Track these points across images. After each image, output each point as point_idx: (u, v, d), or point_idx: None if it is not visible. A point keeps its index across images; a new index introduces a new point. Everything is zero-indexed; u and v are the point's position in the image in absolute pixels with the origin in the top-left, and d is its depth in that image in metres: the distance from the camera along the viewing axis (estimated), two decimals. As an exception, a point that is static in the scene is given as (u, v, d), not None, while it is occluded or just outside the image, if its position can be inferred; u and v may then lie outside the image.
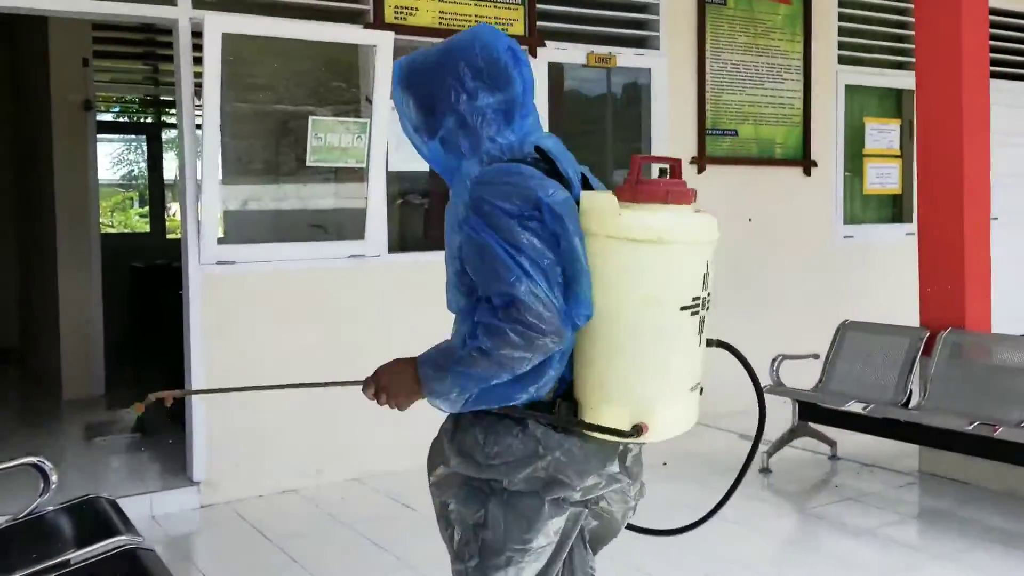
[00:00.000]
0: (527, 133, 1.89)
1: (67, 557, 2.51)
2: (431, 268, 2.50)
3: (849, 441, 5.01)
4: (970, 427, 4.14)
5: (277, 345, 4.50)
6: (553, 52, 5.33)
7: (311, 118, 4.53)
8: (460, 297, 1.85)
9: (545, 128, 5.40)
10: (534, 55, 5.23)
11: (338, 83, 5.09)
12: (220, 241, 4.38)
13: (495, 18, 5.09)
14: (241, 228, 6.32)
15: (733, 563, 3.78)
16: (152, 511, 4.25)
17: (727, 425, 5.72)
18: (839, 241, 6.60)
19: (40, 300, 6.92)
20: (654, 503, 4.38)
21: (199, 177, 4.28)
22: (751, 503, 4.38)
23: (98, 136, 10.83)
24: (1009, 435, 4.01)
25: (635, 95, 6.01)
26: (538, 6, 5.22)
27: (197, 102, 4.33)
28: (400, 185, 5.18)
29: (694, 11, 5.83)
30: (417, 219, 5.31)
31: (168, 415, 5.04)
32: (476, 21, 5.03)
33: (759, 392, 2.12)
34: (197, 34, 4.21)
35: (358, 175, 4.81)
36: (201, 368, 4.36)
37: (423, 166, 4.86)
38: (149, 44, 7.32)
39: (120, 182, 13.09)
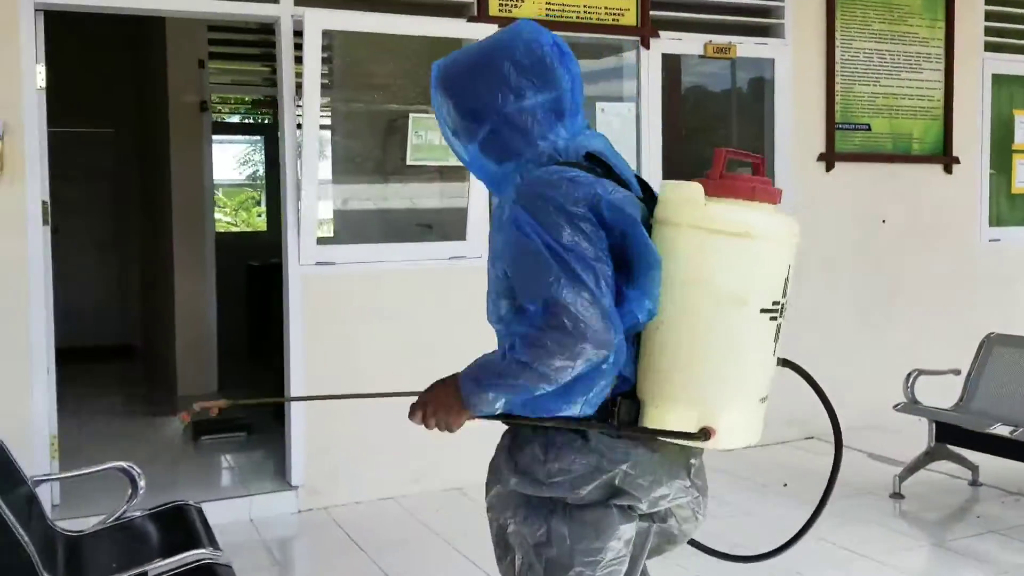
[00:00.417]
0: (577, 132, 1.80)
1: (144, 569, 2.44)
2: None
3: (993, 466, 4.53)
4: None
5: (376, 346, 4.39)
6: (667, 43, 5.05)
7: (411, 115, 4.40)
8: (502, 303, 1.75)
9: (659, 125, 5.15)
10: (647, 46, 4.96)
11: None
12: (322, 241, 4.32)
13: (605, 8, 4.84)
14: (349, 228, 6.30)
15: (859, 601, 3.43)
16: (251, 514, 4.21)
17: (855, 442, 5.32)
18: (984, 245, 6.06)
19: (158, 298, 7.08)
20: (770, 527, 4.09)
21: (299, 177, 4.20)
22: (880, 532, 4.00)
23: (222, 137, 11.28)
24: None
25: (757, 88, 5.66)
26: (652, -7, 4.96)
27: (299, 101, 4.24)
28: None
29: (823, -4, 5.44)
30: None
31: (274, 414, 5.05)
32: (585, 12, 4.80)
33: (833, 419, 1.98)
34: (301, 33, 4.13)
35: (461, 174, 4.66)
36: (300, 368, 4.29)
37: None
38: (266, 45, 7.40)
39: (246, 182, 13.45)
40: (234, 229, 12.16)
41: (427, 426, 1.74)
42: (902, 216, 5.74)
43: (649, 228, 1.69)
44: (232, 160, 12.65)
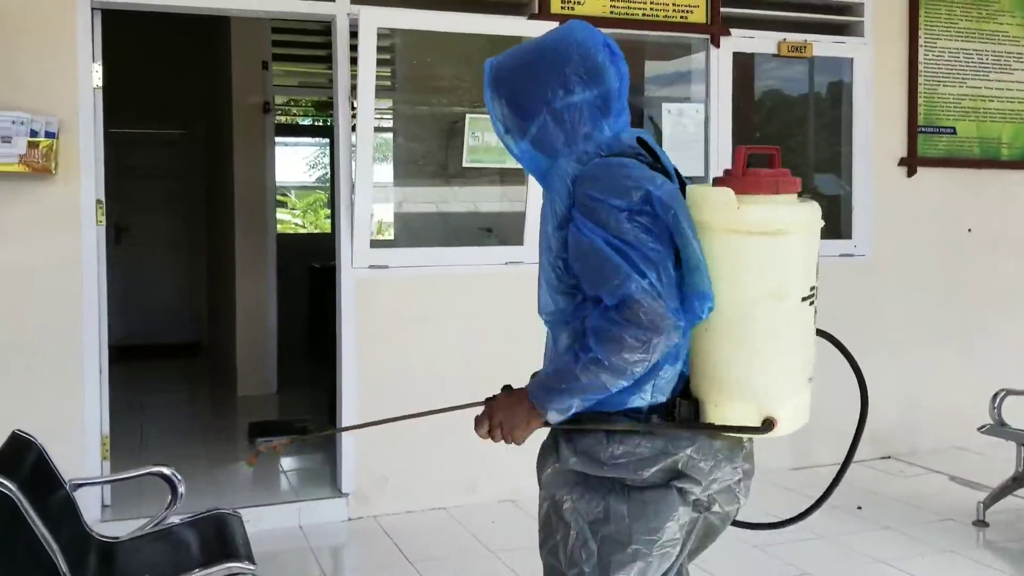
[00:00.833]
0: (621, 129, 1.84)
1: (175, 581, 2.36)
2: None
3: (1088, 495, 4.22)
4: None
5: (430, 352, 4.28)
6: (739, 41, 4.83)
7: (468, 116, 4.28)
8: (559, 298, 1.79)
9: (729, 128, 4.94)
10: (717, 44, 4.75)
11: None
12: (382, 244, 4.23)
13: (672, 4, 4.65)
14: (409, 231, 6.23)
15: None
16: (300, 520, 4.14)
17: (936, 464, 5.04)
18: (1078, 256, 5.67)
19: (222, 298, 7.11)
20: (842, 552, 3.84)
21: (353, 178, 4.11)
22: (962, 563, 3.72)
23: (293, 139, 11.36)
24: None
25: (834, 89, 5.40)
26: (723, -10, 4.75)
27: (355, 102, 4.15)
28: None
29: (906, -8, 5.16)
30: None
31: (331, 418, 4.99)
32: (652, 9, 4.61)
33: (862, 385, 1.95)
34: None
35: (521, 177, 4.53)
36: (353, 373, 4.21)
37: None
38: (330, 47, 7.38)
39: (316, 184, 13.56)
40: (301, 231, 12.23)
41: (493, 438, 1.77)
42: (988, 225, 5.41)
43: None
44: (302, 162, 12.76)
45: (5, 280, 3.70)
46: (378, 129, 7.62)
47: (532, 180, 4.38)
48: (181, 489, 2.83)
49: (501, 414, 1.75)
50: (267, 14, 4.47)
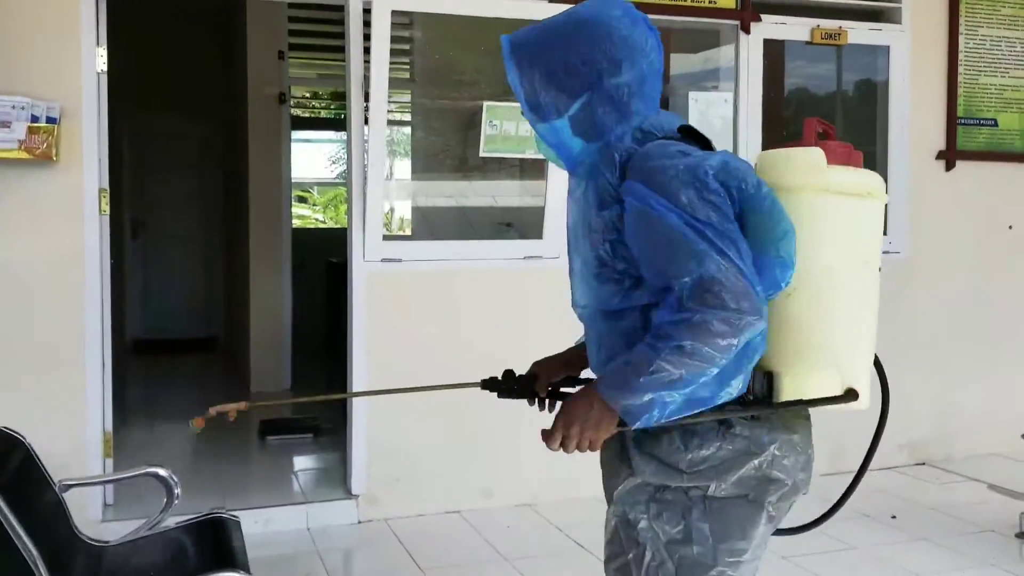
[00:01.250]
0: (654, 112, 1.73)
1: (164, 591, 2.21)
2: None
3: None
4: None
5: (443, 347, 4.12)
6: (770, 27, 4.62)
7: (485, 104, 4.11)
8: (602, 287, 1.65)
9: (759, 118, 4.73)
10: (747, 31, 4.55)
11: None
12: (398, 239, 4.08)
13: (703, -13, 4.45)
14: (428, 225, 6.08)
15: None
16: (308, 523, 3.99)
17: (974, 471, 4.81)
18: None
19: (238, 293, 7.00)
20: (875, 563, 3.64)
21: (365, 170, 3.96)
22: (1004, 579, 3.50)
23: (316, 134, 11.24)
24: None
25: (869, 78, 5.18)
26: (754, -26, 4.55)
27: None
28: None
29: (946, -22, 4.94)
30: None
31: (343, 416, 4.85)
32: (686, -8, 4.41)
33: (884, 385, 1.83)
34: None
35: (541, 170, 4.36)
36: (363, 367, 4.06)
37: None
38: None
39: (338, 180, 13.46)
40: (321, 225, 12.13)
41: (567, 449, 1.60)
42: (1031, 221, 5.18)
43: None
44: (324, 158, 12.66)
45: (5, 271, 3.57)
46: (397, 123, 7.55)
47: (553, 173, 4.23)
48: (177, 491, 2.69)
49: (578, 422, 1.58)
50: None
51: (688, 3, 4.46)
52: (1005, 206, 5.11)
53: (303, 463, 4.77)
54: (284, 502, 4.07)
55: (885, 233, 4.87)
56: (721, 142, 4.66)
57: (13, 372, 3.57)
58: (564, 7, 1.80)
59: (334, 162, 13.22)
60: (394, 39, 4.82)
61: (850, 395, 1.65)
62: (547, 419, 1.75)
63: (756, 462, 1.63)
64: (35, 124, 3.43)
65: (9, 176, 3.52)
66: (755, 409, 1.62)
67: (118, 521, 3.64)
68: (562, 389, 1.95)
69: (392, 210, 8.12)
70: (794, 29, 4.69)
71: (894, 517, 4.13)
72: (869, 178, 1.70)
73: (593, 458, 4.84)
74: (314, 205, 13.29)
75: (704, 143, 1.72)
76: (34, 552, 2.02)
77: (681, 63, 5.17)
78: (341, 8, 4.04)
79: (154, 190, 8.48)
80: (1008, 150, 5.10)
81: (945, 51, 4.97)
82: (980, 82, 5.04)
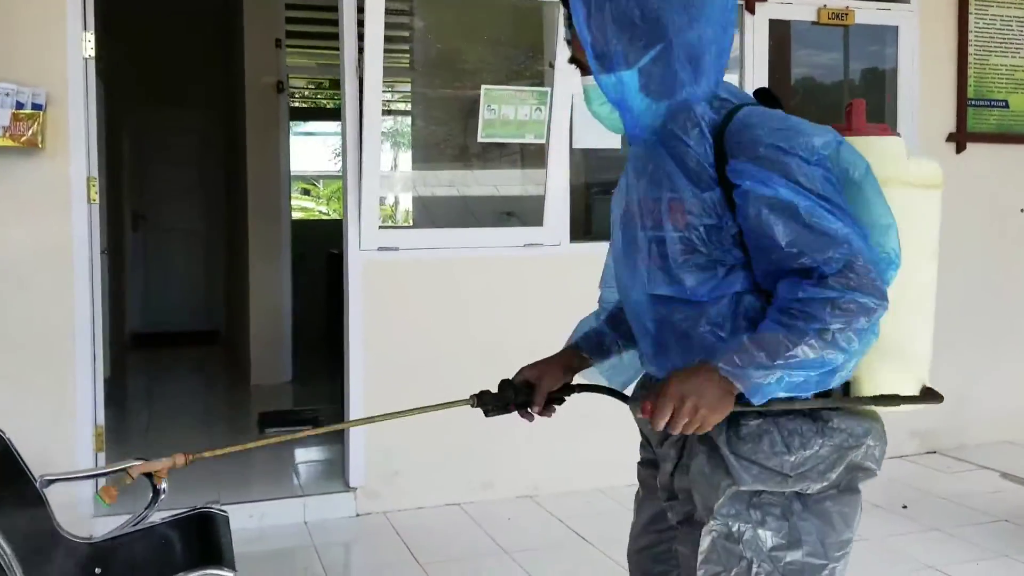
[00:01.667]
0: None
1: (145, 589, 2.13)
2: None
3: None
4: None
5: (439, 336, 4.04)
6: (775, 7, 4.52)
7: (483, 88, 4.01)
8: (688, 275, 1.51)
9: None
10: (751, 11, 4.45)
11: (520, 50, 4.59)
12: (388, 227, 3.99)
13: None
14: (429, 215, 5.99)
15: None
16: (305, 516, 3.91)
17: (985, 460, 4.71)
18: None
19: (238, 286, 6.93)
20: (886, 556, 3.54)
21: (360, 158, 3.87)
22: (1021, 568, 3.40)
23: (313, 124, 11.14)
24: None
25: (877, 59, 5.07)
26: (758, -47, 4.44)
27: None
28: (587, 165, 4.60)
29: (955, -45, 4.82)
30: (605, 203, 4.70)
31: (343, 408, 4.77)
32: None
33: None
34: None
35: (542, 158, 4.26)
36: (359, 357, 3.98)
37: (613, 142, 4.32)
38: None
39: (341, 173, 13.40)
40: (323, 217, 12.05)
41: (674, 428, 1.43)
42: (1043, 205, 5.06)
43: None
44: (329, 150, 12.58)
45: (-9, 261, 3.50)
46: (398, 112, 7.46)
47: (553, 155, 4.13)
48: (163, 486, 2.59)
49: (695, 397, 1.41)
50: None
51: (690, -17, 4.35)
52: (1017, 189, 5.00)
53: (301, 456, 4.69)
54: (281, 495, 3.99)
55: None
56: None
57: (0, 363, 3.49)
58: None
59: (338, 154, 13.14)
60: (394, 27, 4.74)
61: (932, 396, 1.59)
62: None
63: (852, 457, 1.53)
64: (20, 111, 3.35)
65: (-6, 164, 3.44)
66: (839, 402, 1.53)
67: (113, 516, 3.56)
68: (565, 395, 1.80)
69: (396, 201, 8.04)
70: (800, 9, 4.58)
71: (905, 507, 4.04)
72: (936, 167, 1.62)
73: (587, 453, 4.75)
74: (318, 198, 13.21)
75: (783, 109, 1.58)
76: (7, 550, 1.94)
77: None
78: (337, -6, 3.95)
79: (155, 183, 8.41)
80: (1020, 132, 4.98)
81: (955, 31, 4.86)
82: (991, 62, 4.92)
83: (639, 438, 1.79)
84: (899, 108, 4.78)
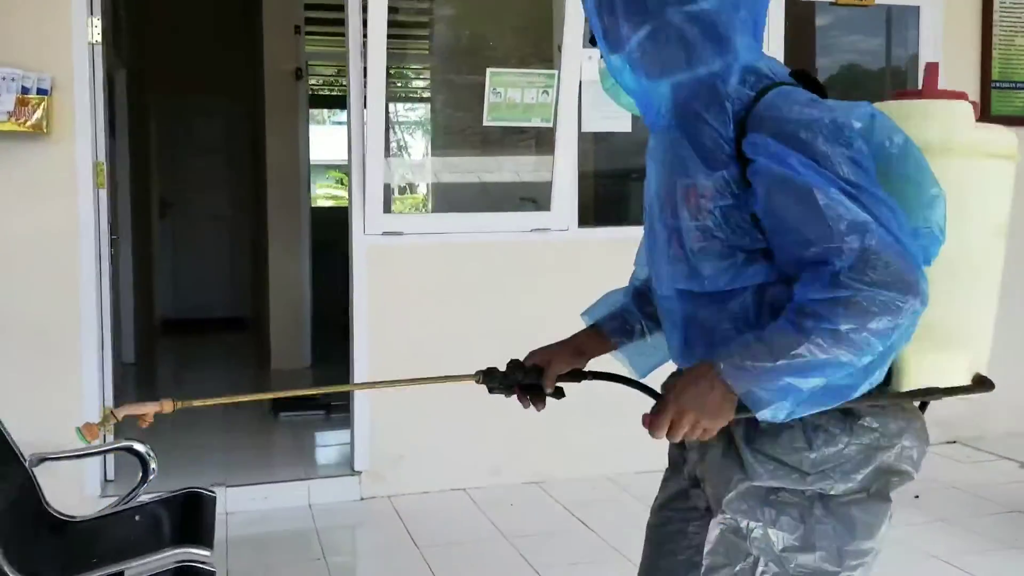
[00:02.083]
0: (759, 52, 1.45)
1: (121, 567, 2.15)
2: (628, 246, 1.90)
3: None
4: None
5: (445, 321, 4.04)
6: (791, -13, 4.43)
7: (488, 71, 3.98)
8: (706, 263, 1.40)
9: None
10: (763, -10, 4.35)
11: (528, 33, 4.55)
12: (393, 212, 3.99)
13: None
14: (447, 202, 5.99)
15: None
16: (310, 499, 3.94)
17: (1006, 450, 4.61)
18: None
19: (264, 272, 6.98)
20: (894, 547, 3.47)
21: (365, 143, 3.87)
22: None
23: (340, 112, 11.18)
24: None
25: (899, 39, 4.95)
26: (775, -70, 4.35)
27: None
28: (597, 148, 4.55)
29: (979, -68, 4.68)
30: (615, 187, 4.64)
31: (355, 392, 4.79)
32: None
33: None
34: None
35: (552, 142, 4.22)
36: (364, 344, 3.98)
37: (624, 126, 4.27)
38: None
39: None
40: (344, 204, 12.08)
41: (674, 437, 1.37)
42: (1072, 189, 4.91)
43: None
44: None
45: (-1, 246, 3.56)
46: (417, 99, 7.46)
47: (561, 138, 4.09)
48: (153, 466, 2.63)
49: (694, 406, 1.35)
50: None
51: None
52: (1043, 173, 4.85)
53: (311, 440, 4.73)
54: (287, 478, 4.02)
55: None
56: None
57: (6, 350, 3.55)
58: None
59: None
60: (412, 12, 4.71)
61: (985, 385, 1.46)
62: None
63: (883, 458, 1.42)
64: (25, 96, 3.40)
65: None
66: (873, 400, 1.41)
67: (118, 496, 3.62)
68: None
69: (413, 187, 8.05)
70: (816, -12, 4.49)
71: (917, 497, 3.94)
72: (1010, 136, 1.47)
73: (596, 440, 4.68)
74: (341, 184, 13.25)
75: (822, 92, 1.46)
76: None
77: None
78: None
79: (183, 170, 8.51)
80: (1046, 114, 4.83)
81: (979, 11, 4.74)
82: (1016, 43, 4.78)
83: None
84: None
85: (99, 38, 3.69)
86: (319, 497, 3.94)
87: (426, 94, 7.17)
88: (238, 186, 8.39)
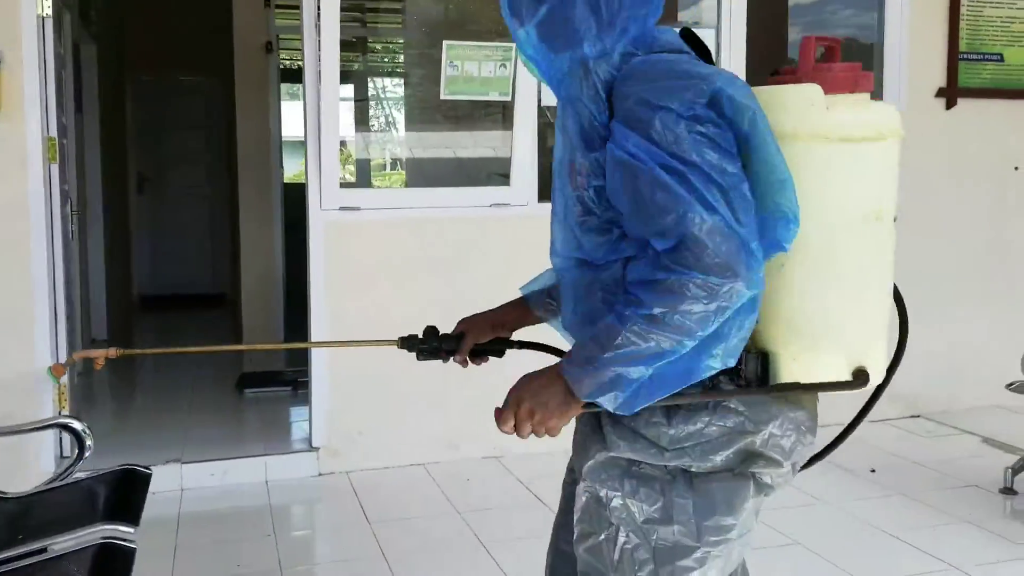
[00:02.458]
0: (656, 22, 1.45)
1: (45, 544, 2.15)
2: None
3: None
4: None
5: (404, 297, 4.01)
6: (750, -44, 4.38)
7: (444, 43, 3.94)
8: (586, 237, 1.43)
9: (744, 56, 4.49)
10: (724, -40, 4.31)
11: (493, 4, 4.50)
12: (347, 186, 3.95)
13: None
14: (423, 176, 5.96)
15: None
16: (267, 475, 3.94)
17: (970, 424, 4.62)
18: None
19: (239, 247, 6.96)
20: (844, 519, 3.49)
21: (320, 117, 3.83)
22: (979, 535, 3.32)
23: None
24: None
25: (863, 10, 4.90)
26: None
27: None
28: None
29: (947, -101, 4.62)
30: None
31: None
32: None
33: (903, 338, 1.57)
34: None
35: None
36: (323, 320, 3.97)
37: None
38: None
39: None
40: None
41: (521, 433, 1.40)
42: (1040, 163, 4.89)
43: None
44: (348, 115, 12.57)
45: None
46: (391, 73, 7.40)
47: (520, 112, 4.06)
48: (89, 443, 2.62)
49: (529, 401, 1.37)
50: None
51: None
52: (1010, 146, 4.82)
53: (274, 416, 4.73)
54: (244, 454, 4.02)
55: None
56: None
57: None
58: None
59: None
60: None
61: (860, 380, 1.41)
62: (523, 366, 1.55)
63: (746, 443, 1.42)
64: (-30, 71, 3.36)
65: (-52, 125, 3.47)
66: (745, 393, 1.41)
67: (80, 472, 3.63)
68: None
69: (401, 163, 8.01)
70: (778, -41, 4.44)
71: (873, 471, 3.97)
72: (879, 114, 1.41)
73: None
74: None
75: (705, 54, 1.47)
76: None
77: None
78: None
79: (162, 146, 8.47)
80: (1014, 87, 4.79)
81: (947, -19, 4.68)
82: (985, 14, 4.73)
83: None
84: (886, 61, 4.62)
85: (49, 11, 3.64)
86: (276, 473, 3.95)
87: (400, 69, 7.11)
88: (216, 161, 8.35)
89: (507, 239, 4.16)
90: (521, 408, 1.38)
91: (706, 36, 4.44)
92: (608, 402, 1.34)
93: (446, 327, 1.86)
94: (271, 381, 5.16)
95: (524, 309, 1.81)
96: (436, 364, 1.83)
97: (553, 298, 1.76)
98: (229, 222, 8.12)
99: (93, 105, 6.09)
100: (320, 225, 3.96)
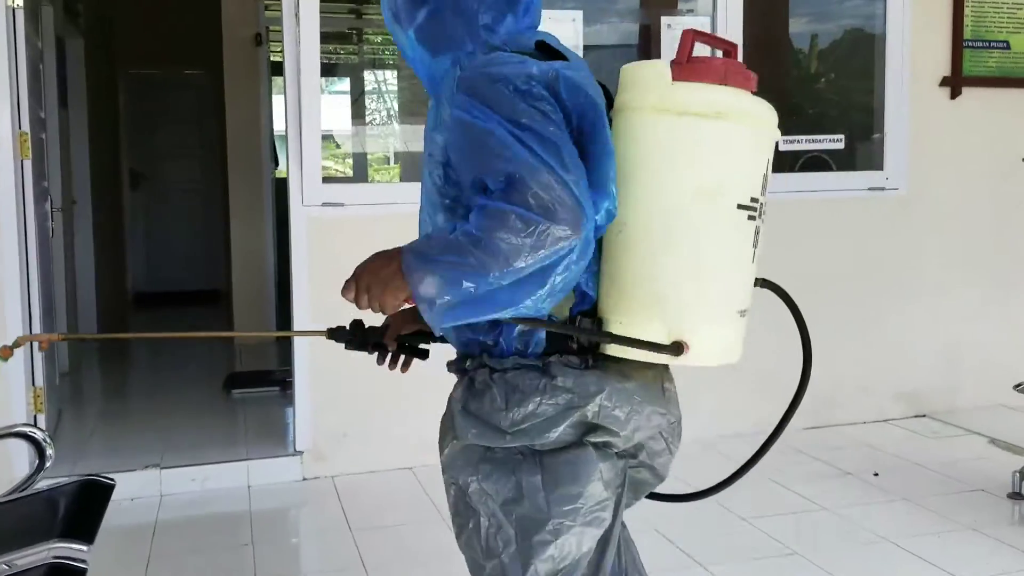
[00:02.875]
0: (528, 28, 1.59)
1: (-4, 560, 2.05)
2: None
3: None
4: None
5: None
6: (748, -57, 4.23)
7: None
8: (438, 217, 1.55)
9: (741, 44, 4.36)
10: (719, -54, 4.17)
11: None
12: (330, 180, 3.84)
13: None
14: (416, 171, 5.85)
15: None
16: (249, 480, 3.83)
17: (976, 425, 4.48)
18: None
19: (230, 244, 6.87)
20: (844, 527, 3.36)
21: (301, 111, 3.72)
22: (984, 542, 3.19)
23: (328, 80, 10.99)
24: None
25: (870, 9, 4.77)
26: None
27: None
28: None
29: None
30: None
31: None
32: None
33: (806, 344, 1.67)
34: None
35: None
36: (306, 317, 3.86)
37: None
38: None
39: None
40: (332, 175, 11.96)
41: (359, 304, 1.48)
42: (1048, 154, 4.74)
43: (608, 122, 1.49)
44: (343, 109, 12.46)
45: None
46: (385, 66, 7.29)
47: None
48: (50, 452, 2.51)
49: (369, 276, 1.45)
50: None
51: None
52: (1016, 136, 4.68)
53: (258, 418, 4.60)
54: (226, 459, 3.91)
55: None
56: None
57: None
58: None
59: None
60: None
61: (674, 348, 1.43)
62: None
63: (578, 416, 1.50)
64: (-65, 64, 3.24)
65: (-85, 121, 3.36)
66: (568, 330, 1.50)
67: (52, 479, 3.52)
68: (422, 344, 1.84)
69: (392, 157, 7.90)
70: (777, -55, 4.29)
71: (876, 474, 3.83)
72: (727, 96, 1.44)
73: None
74: (338, 157, 13.10)
75: (559, 58, 1.54)
76: None
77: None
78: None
79: (155, 142, 8.37)
80: (1021, 75, 4.65)
81: (951, -34, 4.54)
82: (989, 0, 4.58)
83: None
84: (889, 50, 4.47)
85: (20, 2, 3.53)
86: (259, 478, 3.84)
87: (394, 60, 7.00)
88: (210, 157, 8.24)
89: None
90: (360, 281, 1.46)
91: (702, 26, 4.31)
92: (431, 311, 1.38)
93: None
94: (260, 381, 5.06)
95: None
96: (424, 365, 1.85)
97: None
98: (224, 218, 8.02)
99: (80, 100, 5.98)
100: (302, 221, 3.84)
